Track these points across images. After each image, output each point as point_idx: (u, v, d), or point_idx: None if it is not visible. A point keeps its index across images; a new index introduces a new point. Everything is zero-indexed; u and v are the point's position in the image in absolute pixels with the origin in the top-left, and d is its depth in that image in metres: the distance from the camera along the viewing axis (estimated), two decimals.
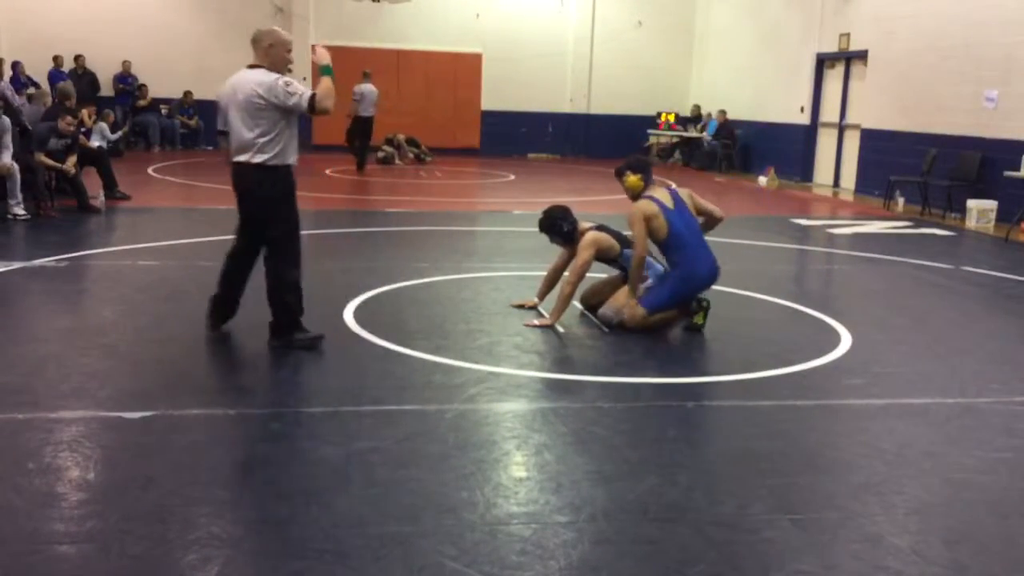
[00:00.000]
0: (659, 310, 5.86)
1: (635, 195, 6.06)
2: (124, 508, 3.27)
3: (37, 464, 3.61)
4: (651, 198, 5.93)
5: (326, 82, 5.03)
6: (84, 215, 9.99)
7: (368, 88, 16.33)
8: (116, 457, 3.75)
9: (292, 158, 5.16)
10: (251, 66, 5.12)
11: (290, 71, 5.21)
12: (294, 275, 5.27)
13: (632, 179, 6.07)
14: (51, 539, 3.04)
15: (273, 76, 5.02)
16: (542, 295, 6.30)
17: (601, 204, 13.60)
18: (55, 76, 17.48)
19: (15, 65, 16.61)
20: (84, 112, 13.26)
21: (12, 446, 3.79)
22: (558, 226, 6.13)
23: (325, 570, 2.88)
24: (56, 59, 18.28)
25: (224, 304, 5.50)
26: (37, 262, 7.37)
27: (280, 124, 5.04)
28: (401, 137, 18.62)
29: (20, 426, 3.99)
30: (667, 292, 5.87)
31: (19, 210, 9.32)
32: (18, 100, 12.92)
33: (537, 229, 6.30)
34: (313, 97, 4.97)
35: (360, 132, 16.38)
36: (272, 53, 5.11)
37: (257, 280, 5.48)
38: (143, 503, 3.31)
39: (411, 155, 18.59)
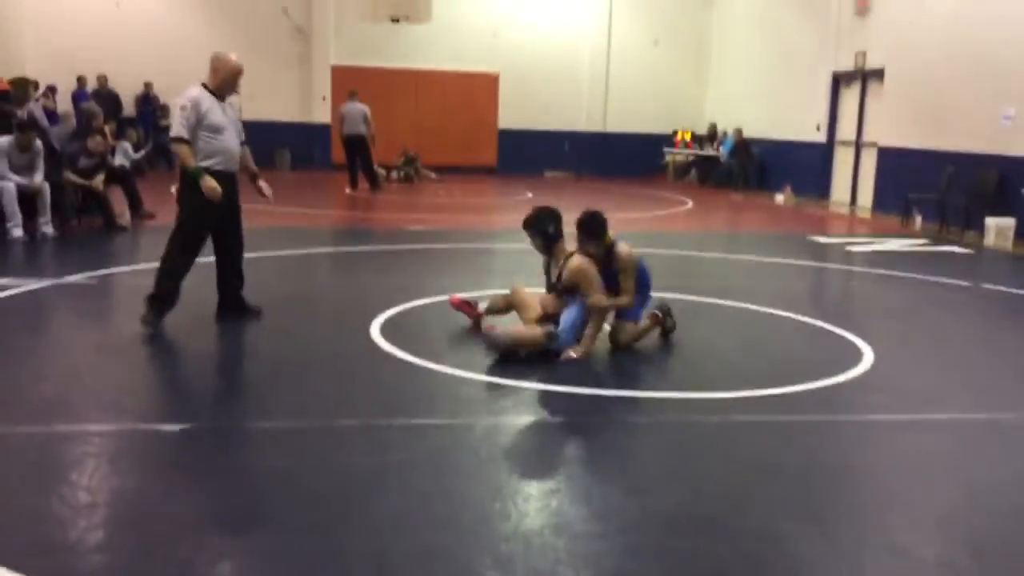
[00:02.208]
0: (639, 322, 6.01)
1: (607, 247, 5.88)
2: (166, 517, 3.35)
3: (79, 475, 3.71)
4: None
5: (185, 159, 5.88)
6: (111, 233, 10.15)
7: (348, 107, 16.13)
8: (156, 468, 3.85)
9: (206, 162, 5.91)
10: (203, 84, 6.01)
11: (237, 93, 6.12)
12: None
13: (608, 238, 5.87)
14: (97, 548, 3.13)
15: (184, 96, 5.89)
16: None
17: (619, 222, 13.69)
18: (79, 96, 17.76)
19: (51, 89, 16.74)
20: (105, 129, 13.45)
21: (54, 457, 3.89)
22: (543, 225, 5.83)
23: None
24: (80, 79, 18.56)
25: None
26: (68, 279, 7.50)
27: (196, 133, 5.86)
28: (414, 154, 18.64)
29: (61, 438, 4.09)
30: (640, 304, 6.01)
31: (48, 228, 9.49)
32: (46, 122, 13.10)
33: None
34: (176, 139, 5.85)
35: (351, 151, 16.12)
36: (216, 76, 5.97)
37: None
38: (183, 512, 3.40)
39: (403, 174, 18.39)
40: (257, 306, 6.41)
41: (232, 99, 6.18)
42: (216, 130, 5.90)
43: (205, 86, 5.97)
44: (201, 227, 6.08)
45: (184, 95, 5.92)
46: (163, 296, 5.95)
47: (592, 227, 5.79)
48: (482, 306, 6.27)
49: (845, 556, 3.24)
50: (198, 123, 5.83)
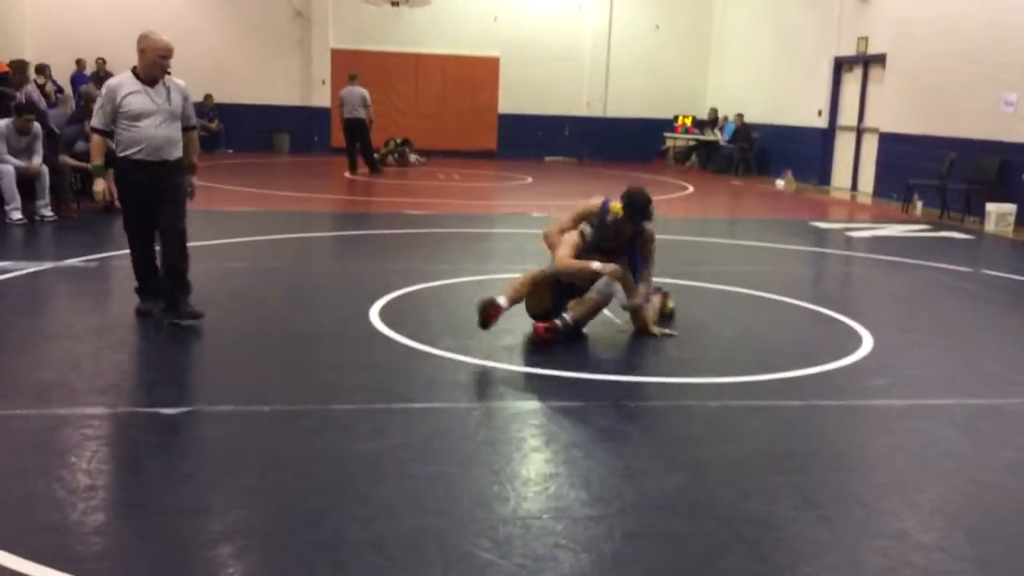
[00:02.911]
0: None
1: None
2: (165, 501, 3.35)
3: (79, 458, 3.71)
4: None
5: (92, 152, 5.81)
6: (109, 216, 10.10)
7: (348, 90, 15.99)
8: (154, 451, 3.85)
9: (125, 152, 5.64)
10: (133, 68, 5.72)
11: (168, 73, 5.74)
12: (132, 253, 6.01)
13: None
14: (96, 530, 3.13)
15: (108, 82, 5.73)
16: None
17: None
18: (78, 79, 17.70)
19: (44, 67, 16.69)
20: None
21: (54, 440, 3.89)
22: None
23: (364, 560, 2.96)
24: (79, 62, 18.49)
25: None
26: (67, 262, 7.49)
27: (117, 122, 5.62)
28: (398, 140, 18.50)
29: (60, 421, 4.09)
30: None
31: (47, 211, 9.48)
32: (44, 104, 13.08)
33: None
34: (92, 130, 5.77)
35: (351, 135, 16.00)
36: (143, 57, 5.63)
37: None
38: (183, 496, 3.40)
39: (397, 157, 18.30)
40: (198, 312, 5.73)
41: (178, 82, 5.80)
42: (135, 118, 5.55)
43: (134, 71, 5.66)
44: (132, 215, 5.82)
45: (104, 89, 5.71)
46: (140, 286, 5.96)
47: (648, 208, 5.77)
48: (501, 300, 5.52)
49: (843, 540, 3.25)
50: (116, 111, 5.56)
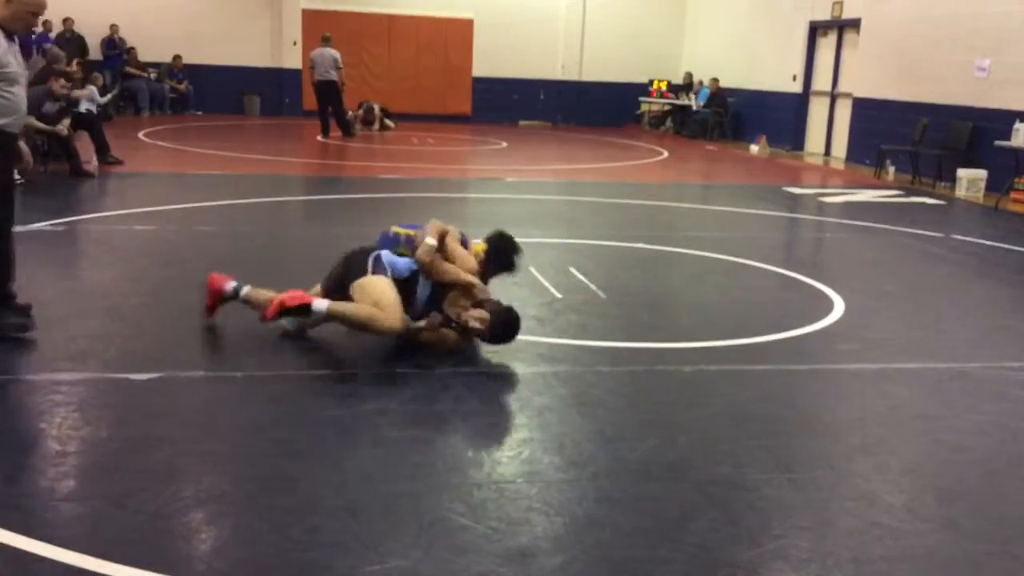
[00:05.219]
0: None
1: None
2: (137, 467, 3.33)
3: (48, 424, 3.67)
4: None
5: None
6: (77, 179, 9.97)
7: (318, 52, 15.67)
8: (125, 417, 3.81)
9: (1, 121, 4.53)
10: None
11: (34, 34, 4.69)
12: None
13: None
14: (66, 496, 3.10)
15: None
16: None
17: (591, 172, 13.65)
18: (43, 40, 17.32)
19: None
20: (74, 62, 13.23)
21: (23, 406, 3.85)
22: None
23: (338, 525, 2.95)
24: (44, 23, 18.07)
25: None
26: (34, 226, 7.37)
27: None
28: (376, 107, 18.20)
29: (29, 387, 4.04)
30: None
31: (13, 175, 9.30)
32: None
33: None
34: None
35: (323, 97, 15.77)
36: (11, 6, 4.50)
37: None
38: (155, 462, 3.37)
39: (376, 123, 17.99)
40: (26, 304, 4.88)
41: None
42: (13, 81, 4.54)
43: None
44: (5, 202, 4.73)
45: None
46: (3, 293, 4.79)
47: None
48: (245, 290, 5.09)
49: (813, 502, 3.28)
50: None
